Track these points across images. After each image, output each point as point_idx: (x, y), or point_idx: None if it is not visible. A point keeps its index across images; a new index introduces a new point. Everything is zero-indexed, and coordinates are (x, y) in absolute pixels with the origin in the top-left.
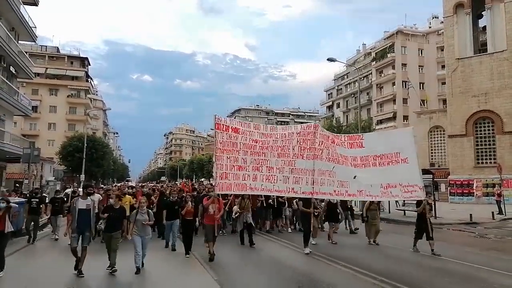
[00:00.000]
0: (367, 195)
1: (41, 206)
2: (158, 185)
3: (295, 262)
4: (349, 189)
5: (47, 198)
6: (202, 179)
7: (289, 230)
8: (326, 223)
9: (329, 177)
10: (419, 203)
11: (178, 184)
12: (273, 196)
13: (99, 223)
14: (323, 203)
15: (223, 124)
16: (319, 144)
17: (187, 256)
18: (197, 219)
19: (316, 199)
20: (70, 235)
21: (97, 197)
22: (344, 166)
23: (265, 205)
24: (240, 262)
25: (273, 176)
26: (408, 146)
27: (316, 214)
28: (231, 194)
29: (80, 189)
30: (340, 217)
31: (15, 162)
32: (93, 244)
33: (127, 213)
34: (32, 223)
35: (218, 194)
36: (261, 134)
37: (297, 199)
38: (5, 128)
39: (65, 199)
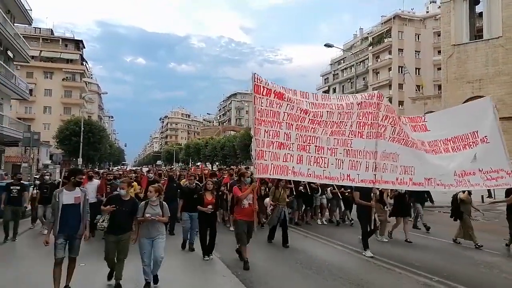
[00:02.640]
0: (438, 184)
1: (22, 194)
2: (162, 168)
3: (354, 269)
4: (414, 176)
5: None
6: (199, 163)
7: (319, 222)
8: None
9: (393, 162)
10: (508, 192)
11: (174, 169)
12: (304, 181)
13: (101, 220)
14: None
15: (263, 87)
16: (382, 119)
17: (207, 258)
18: (218, 212)
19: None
20: (50, 241)
21: (95, 183)
22: (411, 149)
23: (295, 193)
24: (278, 269)
25: (323, 158)
26: (487, 121)
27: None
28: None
29: (58, 178)
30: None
31: (12, 145)
32: (89, 243)
33: None
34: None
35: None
36: (312, 104)
37: (344, 189)
38: (3, 112)
39: (56, 185)
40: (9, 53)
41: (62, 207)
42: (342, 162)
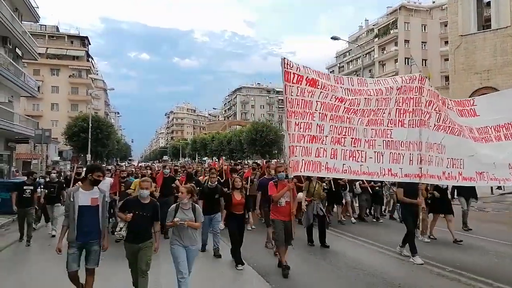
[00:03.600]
0: (492, 178)
1: (34, 194)
2: (177, 164)
3: (405, 277)
4: (464, 170)
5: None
6: (205, 158)
7: (353, 219)
8: (430, 214)
9: (438, 153)
10: None
11: (176, 164)
12: (328, 177)
13: (118, 229)
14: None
15: (294, 73)
16: (426, 104)
17: (240, 268)
18: (250, 214)
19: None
20: (62, 249)
21: (107, 181)
22: (458, 138)
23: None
24: (315, 275)
25: (360, 152)
26: None
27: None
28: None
29: (69, 172)
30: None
31: (23, 142)
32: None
33: None
34: (26, 218)
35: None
36: (348, 90)
37: (381, 184)
38: (14, 110)
39: (64, 183)
40: (18, 50)
41: (78, 209)
42: (382, 155)
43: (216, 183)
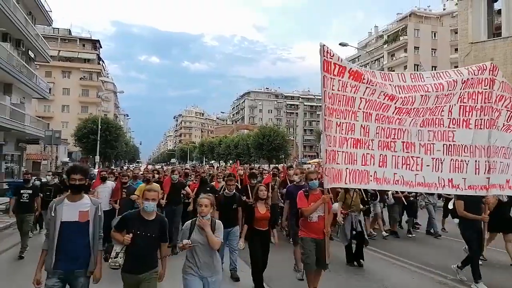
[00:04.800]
0: None
1: (34, 200)
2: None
3: None
4: None
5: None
6: (212, 161)
7: (384, 233)
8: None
9: (504, 158)
10: None
11: (186, 168)
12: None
13: (114, 255)
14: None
15: (335, 64)
16: (496, 100)
17: None
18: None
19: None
20: (42, 279)
21: (108, 186)
22: None
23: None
24: None
25: (414, 158)
26: None
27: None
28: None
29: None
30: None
31: (33, 143)
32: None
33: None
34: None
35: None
36: (399, 87)
37: (407, 192)
38: (25, 111)
39: (61, 186)
40: (30, 53)
41: (60, 226)
42: (441, 162)
43: (234, 191)
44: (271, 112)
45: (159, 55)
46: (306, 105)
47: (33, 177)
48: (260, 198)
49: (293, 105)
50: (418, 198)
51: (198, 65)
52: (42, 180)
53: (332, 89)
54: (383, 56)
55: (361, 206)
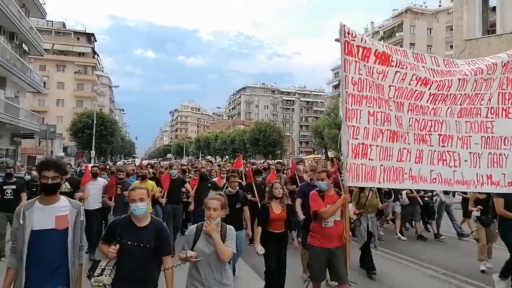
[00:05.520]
0: None
1: (20, 196)
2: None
3: None
4: None
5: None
6: (208, 157)
7: (399, 235)
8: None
9: None
10: None
11: (183, 164)
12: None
13: (98, 272)
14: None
15: (358, 46)
16: None
17: None
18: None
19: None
20: None
21: (100, 182)
22: None
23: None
24: None
25: (452, 154)
26: None
27: None
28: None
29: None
30: None
31: (28, 138)
32: None
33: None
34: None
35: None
36: (433, 71)
37: (423, 192)
38: (20, 105)
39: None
40: (24, 46)
41: (31, 236)
42: (479, 157)
43: (237, 188)
44: (267, 107)
45: (155, 49)
46: (302, 100)
47: (26, 172)
48: (275, 196)
49: (289, 100)
50: (434, 198)
51: (194, 59)
52: (25, 177)
53: (360, 73)
54: None
55: (380, 205)
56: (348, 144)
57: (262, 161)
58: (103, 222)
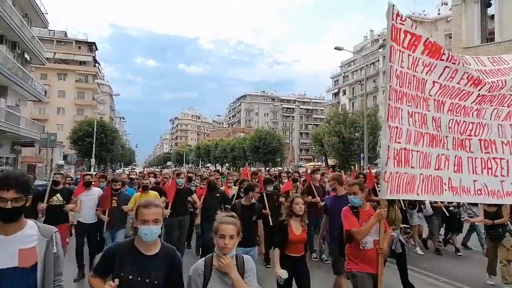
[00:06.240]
0: None
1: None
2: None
3: None
4: None
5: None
6: (208, 165)
7: (418, 249)
8: None
9: None
10: None
11: (189, 171)
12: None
13: None
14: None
15: (406, 31)
16: None
17: None
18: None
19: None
20: None
21: (95, 192)
22: None
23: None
24: None
25: (497, 160)
26: None
27: None
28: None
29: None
30: None
31: (28, 146)
32: None
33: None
34: None
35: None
36: (482, 72)
37: (448, 202)
38: (20, 113)
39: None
40: (26, 55)
41: None
42: None
43: (252, 200)
44: (267, 115)
45: (155, 58)
46: (302, 108)
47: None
48: (296, 214)
49: (289, 108)
50: (460, 209)
51: (194, 68)
52: None
53: (401, 66)
54: (378, 60)
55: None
56: (388, 149)
57: (267, 168)
58: (97, 239)
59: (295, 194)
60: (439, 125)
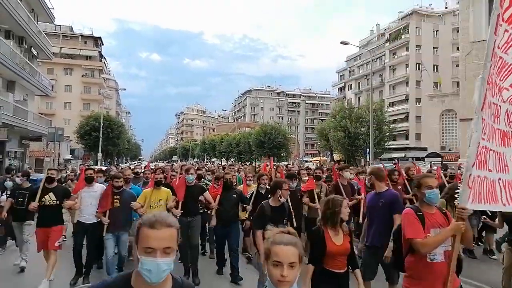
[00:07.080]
0: None
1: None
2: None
3: None
4: None
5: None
6: (214, 159)
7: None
8: None
9: None
10: None
11: (199, 167)
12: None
13: None
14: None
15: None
16: None
17: None
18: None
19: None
20: None
21: (98, 189)
22: None
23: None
24: None
25: None
26: None
27: None
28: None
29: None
30: None
31: (36, 140)
32: None
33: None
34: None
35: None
36: None
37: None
38: (28, 108)
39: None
40: (33, 50)
41: None
42: None
43: (281, 201)
44: (273, 110)
45: (160, 52)
46: (307, 103)
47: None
48: (343, 219)
49: (295, 103)
50: None
51: (199, 62)
52: (6, 183)
53: (498, 46)
54: (384, 55)
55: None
56: (478, 146)
57: (286, 164)
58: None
59: (336, 197)
60: (510, 121)
